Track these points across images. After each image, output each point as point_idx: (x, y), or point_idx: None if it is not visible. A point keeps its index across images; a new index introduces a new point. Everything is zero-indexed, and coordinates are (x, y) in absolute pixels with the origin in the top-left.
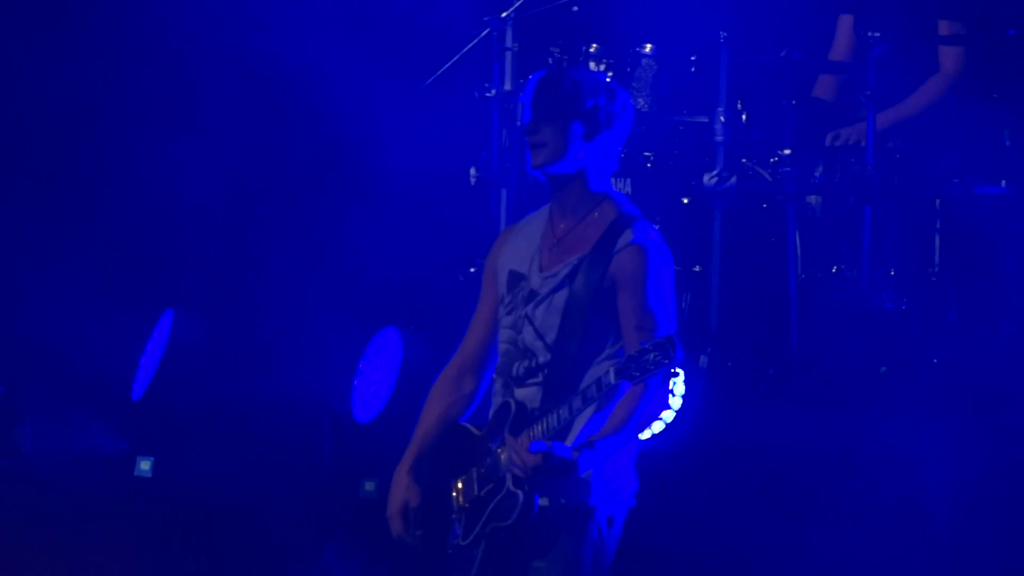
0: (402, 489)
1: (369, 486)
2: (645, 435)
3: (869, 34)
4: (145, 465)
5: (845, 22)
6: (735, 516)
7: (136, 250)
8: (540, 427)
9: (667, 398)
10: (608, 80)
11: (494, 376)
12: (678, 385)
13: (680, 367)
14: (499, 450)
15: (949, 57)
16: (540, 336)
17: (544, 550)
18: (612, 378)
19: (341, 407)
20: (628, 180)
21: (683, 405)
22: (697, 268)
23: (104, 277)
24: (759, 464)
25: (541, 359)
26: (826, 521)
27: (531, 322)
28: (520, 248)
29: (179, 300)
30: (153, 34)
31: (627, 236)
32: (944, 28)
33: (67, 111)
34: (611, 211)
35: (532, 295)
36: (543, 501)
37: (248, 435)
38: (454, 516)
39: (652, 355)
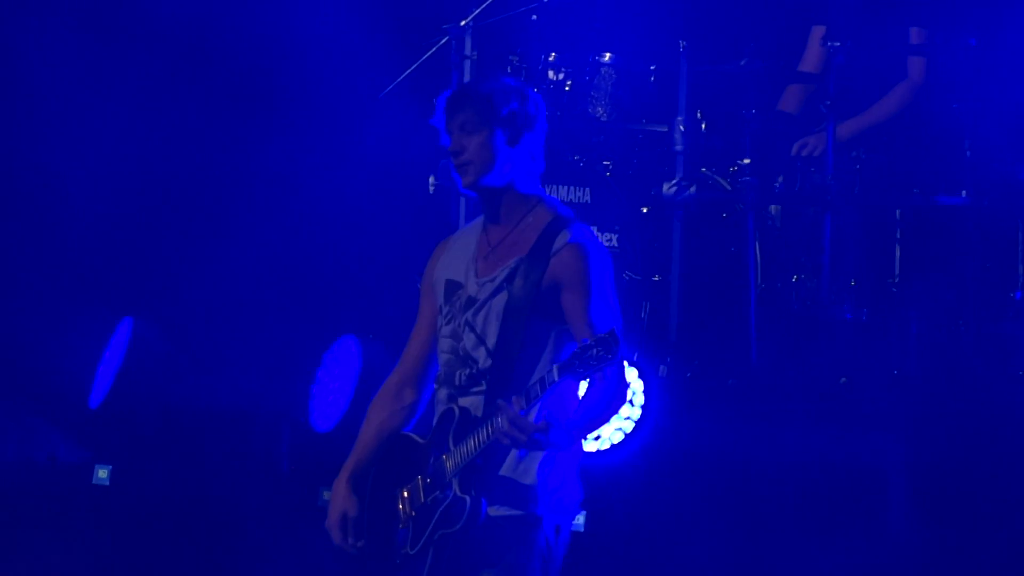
0: (340, 500)
1: (327, 495)
2: (603, 445)
3: (829, 44)
4: (103, 473)
5: (817, 33)
6: (695, 526)
7: (94, 257)
8: (486, 430)
9: (623, 394)
10: (515, 83)
11: (437, 387)
12: (637, 395)
13: (622, 361)
14: (444, 457)
15: (916, 65)
16: (481, 342)
17: (493, 560)
18: (555, 375)
19: (299, 416)
20: (587, 189)
21: (643, 415)
22: (656, 277)
23: (62, 284)
24: (719, 475)
25: (483, 365)
26: (786, 532)
27: (472, 328)
28: (456, 258)
29: (137, 307)
30: (107, 31)
31: (564, 236)
32: (915, 36)
33: (24, 115)
34: (545, 213)
35: (471, 302)
36: (492, 510)
37: (206, 444)
38: (401, 525)
39: (595, 351)
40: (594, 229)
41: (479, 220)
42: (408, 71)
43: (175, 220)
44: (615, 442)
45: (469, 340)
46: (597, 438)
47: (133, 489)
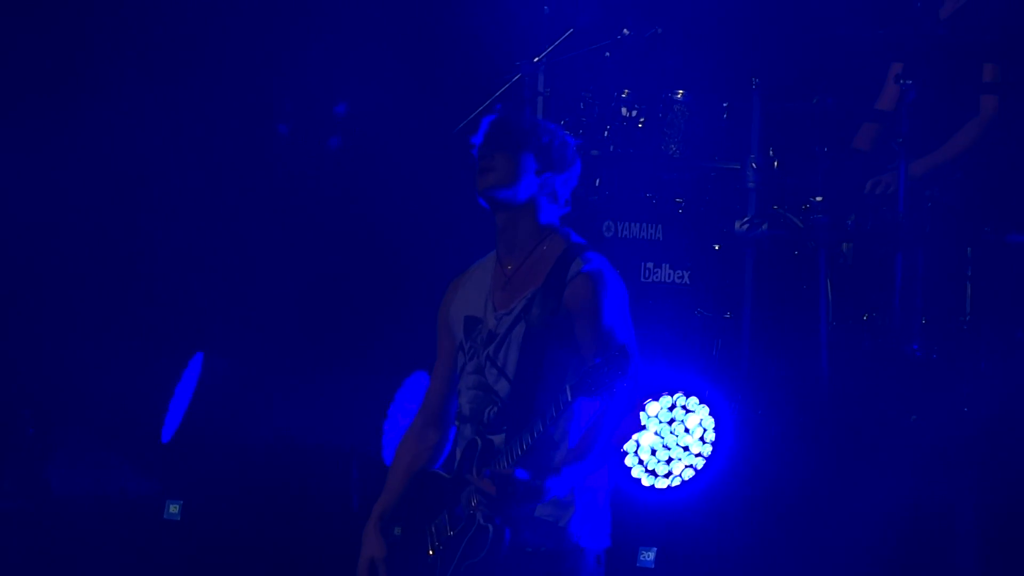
0: (369, 544)
1: (398, 531)
2: (674, 482)
3: (902, 82)
4: (174, 508)
5: (894, 70)
6: (765, 563)
7: (167, 292)
8: (505, 459)
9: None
10: (559, 128)
11: (460, 424)
12: (708, 432)
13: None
14: (468, 488)
15: (988, 103)
16: (503, 374)
17: None
18: (569, 396)
19: (370, 451)
20: (659, 226)
21: (713, 452)
22: (728, 315)
23: (134, 319)
24: (789, 512)
25: (505, 397)
26: (856, 570)
27: (494, 363)
28: (472, 293)
29: (209, 343)
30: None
31: (577, 265)
32: (988, 73)
33: (97, 151)
34: (559, 243)
35: (491, 336)
36: (533, 546)
37: (277, 479)
38: (431, 559)
39: (606, 368)
40: (666, 266)
41: (492, 254)
42: (482, 107)
43: (248, 255)
44: (686, 479)
45: (491, 375)
46: (668, 475)
47: (204, 524)
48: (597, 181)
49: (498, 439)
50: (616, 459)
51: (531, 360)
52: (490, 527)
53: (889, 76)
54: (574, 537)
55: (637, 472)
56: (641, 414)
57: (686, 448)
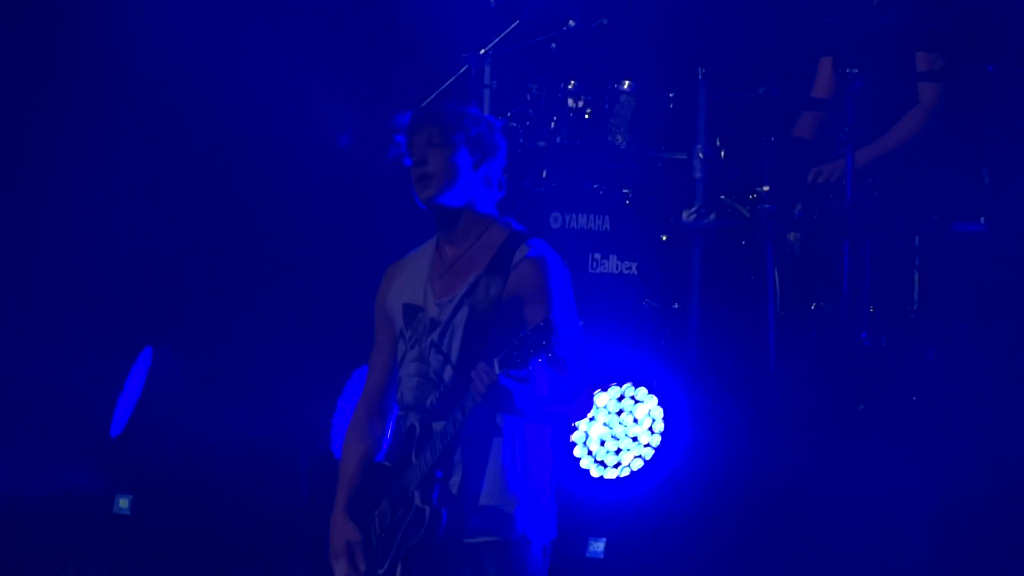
0: (343, 530)
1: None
2: (623, 472)
3: (847, 71)
4: (124, 503)
5: (825, 64)
6: (714, 552)
7: (114, 287)
8: (440, 442)
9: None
10: (480, 112)
11: (404, 412)
12: (657, 422)
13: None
14: (406, 472)
15: (927, 91)
16: (448, 360)
17: None
18: (497, 369)
19: (319, 444)
20: (607, 217)
21: (662, 442)
22: (676, 305)
23: (82, 313)
24: (738, 501)
25: (449, 383)
26: (806, 559)
27: (438, 350)
28: (410, 281)
29: (158, 337)
30: (126, 70)
31: (523, 251)
32: (922, 62)
33: (44, 153)
34: (500, 231)
35: (434, 324)
36: (478, 538)
37: (227, 472)
38: (374, 548)
39: (531, 339)
40: (613, 257)
41: (431, 242)
42: (427, 100)
43: (195, 249)
44: (635, 469)
45: (436, 361)
46: (617, 465)
47: (154, 518)
48: (544, 172)
49: (438, 425)
50: (563, 452)
51: (475, 344)
52: (426, 508)
53: (820, 66)
54: (520, 528)
55: (586, 463)
56: None
57: (635, 439)
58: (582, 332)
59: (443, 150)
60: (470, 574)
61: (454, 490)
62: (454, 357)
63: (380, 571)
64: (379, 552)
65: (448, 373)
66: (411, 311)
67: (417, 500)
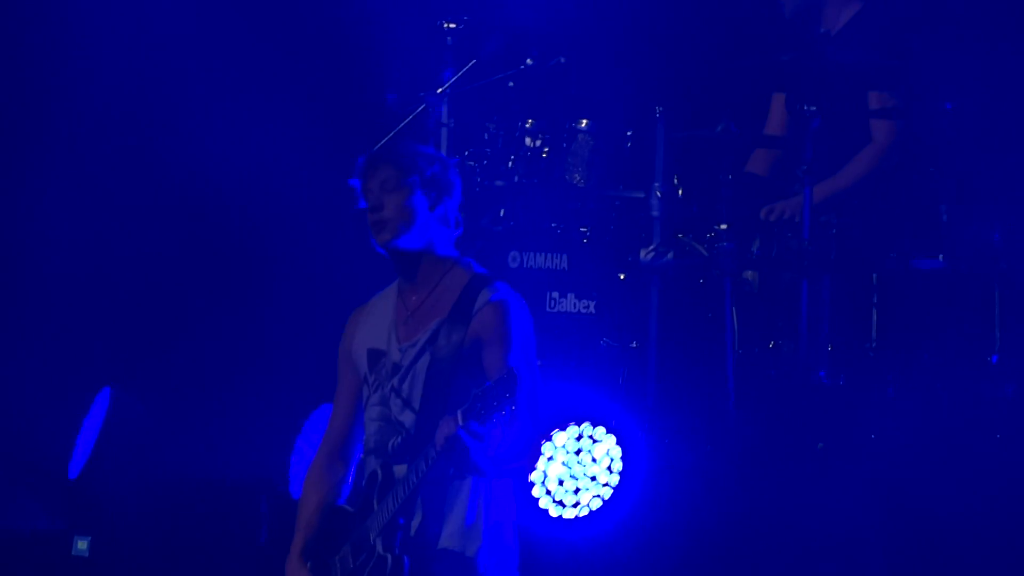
0: (297, 574)
1: (308, 565)
2: (581, 512)
3: (805, 108)
4: (82, 544)
5: (779, 100)
6: None
7: (73, 327)
8: (403, 489)
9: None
10: (434, 150)
11: (365, 455)
12: (615, 462)
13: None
14: (368, 519)
15: (881, 129)
16: (407, 405)
17: None
18: (460, 419)
19: (279, 485)
20: (564, 256)
21: (621, 481)
22: (634, 344)
23: (40, 354)
24: (697, 541)
25: (410, 428)
26: None
27: (398, 395)
28: (375, 326)
29: (116, 377)
30: (80, 90)
31: (485, 295)
32: (875, 100)
33: (4, 187)
34: (462, 274)
35: (395, 368)
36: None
37: (186, 513)
38: None
39: (494, 392)
40: (571, 296)
41: (393, 286)
42: (386, 139)
43: (154, 290)
44: (593, 508)
45: (396, 406)
46: (576, 504)
47: (113, 560)
48: (502, 211)
49: (400, 469)
50: (522, 492)
51: (437, 390)
52: (388, 556)
53: (774, 102)
54: (481, 569)
55: (545, 503)
56: (548, 444)
57: (593, 478)
58: (538, 379)
59: (398, 194)
60: None
61: (413, 532)
62: (416, 403)
63: None
64: None
65: (409, 418)
66: (375, 356)
67: (379, 548)
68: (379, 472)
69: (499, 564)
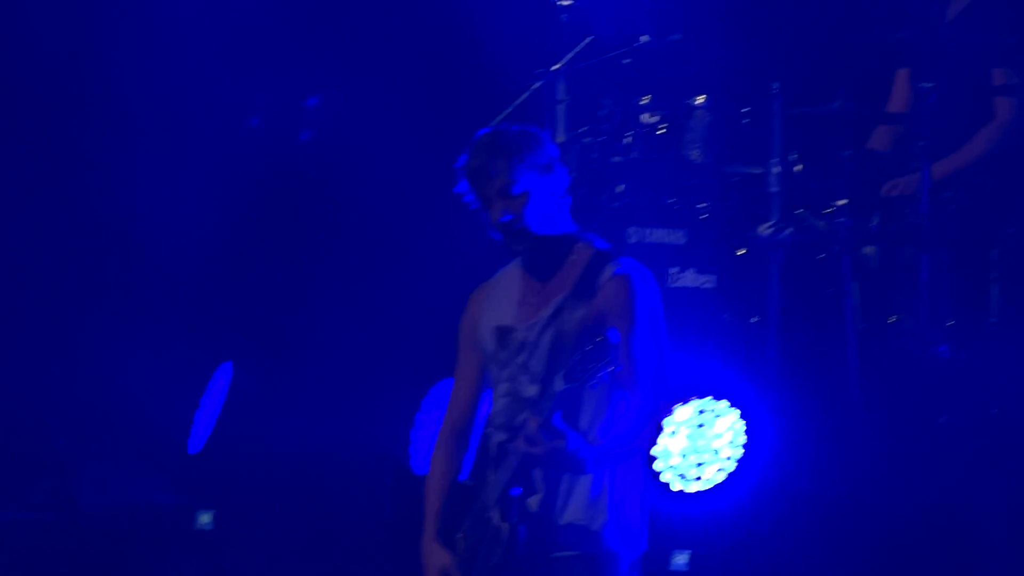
0: (435, 556)
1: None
2: (705, 486)
3: (922, 85)
4: (205, 519)
5: (902, 76)
6: (797, 566)
7: (194, 303)
8: (512, 457)
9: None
10: (529, 129)
11: (493, 431)
12: (739, 436)
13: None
14: (486, 491)
15: (1004, 106)
16: (534, 381)
17: None
18: (560, 384)
19: (400, 459)
20: (683, 231)
21: (744, 456)
22: (754, 319)
23: (162, 329)
24: (820, 515)
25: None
26: (886, 570)
27: (525, 370)
28: (501, 303)
29: (237, 352)
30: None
31: (609, 269)
32: (998, 77)
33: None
34: (585, 250)
35: (523, 346)
36: (565, 552)
37: (307, 488)
38: (461, 568)
39: (590, 355)
40: (691, 271)
41: (516, 262)
42: (500, 116)
43: (275, 264)
44: (717, 482)
45: (523, 383)
46: (698, 478)
47: (236, 534)
48: (620, 188)
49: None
50: (648, 464)
51: (557, 364)
52: (504, 526)
53: (896, 79)
54: (607, 542)
55: (668, 476)
56: (670, 418)
57: (716, 451)
58: (667, 352)
59: (520, 199)
60: None
61: (534, 507)
62: (540, 378)
63: None
64: (464, 573)
65: (534, 392)
66: (502, 333)
67: (496, 518)
68: (497, 445)
69: (626, 538)
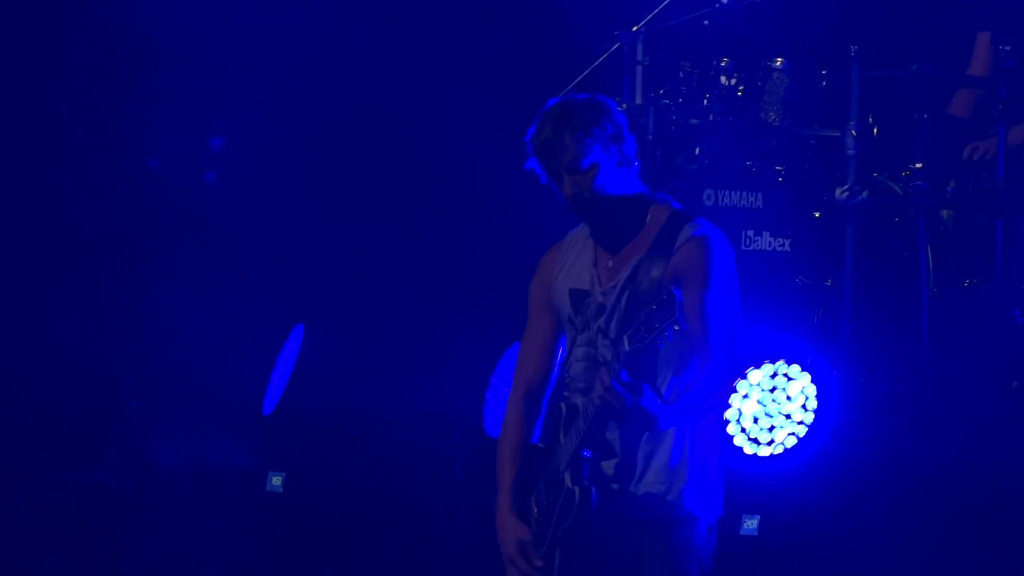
0: (512, 529)
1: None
2: (776, 450)
3: (1001, 47)
4: (277, 480)
5: (983, 39)
6: (868, 531)
7: (267, 265)
8: (582, 420)
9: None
10: (595, 100)
11: (571, 394)
12: (810, 400)
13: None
14: (558, 454)
15: None
16: (613, 344)
17: (647, 563)
18: (626, 344)
19: (473, 422)
20: (759, 194)
21: (816, 419)
22: (829, 282)
23: (235, 292)
24: (892, 479)
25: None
26: (958, 536)
27: (605, 335)
28: (575, 266)
29: (310, 315)
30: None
31: (688, 230)
32: None
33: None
34: (661, 211)
35: (600, 309)
36: (637, 517)
37: (379, 450)
38: (534, 530)
39: (655, 313)
40: (766, 234)
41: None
42: (580, 77)
43: (348, 227)
44: (788, 447)
45: (604, 347)
46: (771, 442)
47: (307, 495)
48: (697, 150)
49: (584, 405)
50: (723, 427)
51: (631, 325)
52: (576, 489)
53: (978, 43)
54: (687, 506)
55: (739, 440)
56: (743, 382)
57: (788, 416)
58: (739, 316)
59: (588, 174)
60: (633, 553)
61: (609, 471)
62: (615, 340)
63: (540, 554)
64: (538, 536)
65: (610, 354)
66: (579, 296)
67: (567, 481)
68: (567, 407)
69: (704, 502)
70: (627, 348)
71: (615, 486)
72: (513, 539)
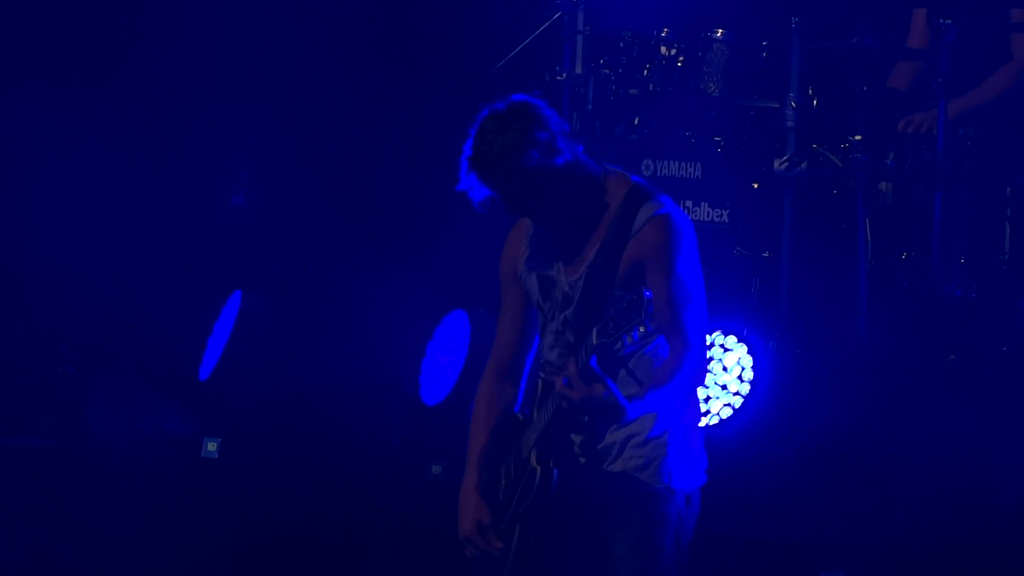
0: (472, 508)
1: (436, 469)
2: (712, 421)
3: (941, 21)
4: (212, 446)
5: (920, 13)
6: (802, 501)
7: (205, 231)
8: (553, 402)
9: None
10: (520, 104)
11: (544, 375)
12: (746, 371)
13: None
14: (528, 430)
15: (1021, 45)
16: (578, 333)
17: (624, 534)
18: (594, 339)
19: (409, 389)
20: (698, 164)
21: (751, 391)
22: (767, 254)
23: (173, 258)
24: (827, 451)
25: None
26: (892, 509)
27: (571, 326)
28: (540, 248)
29: (248, 281)
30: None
31: (647, 209)
32: (1017, 15)
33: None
34: (620, 186)
35: (567, 300)
36: (608, 493)
37: (316, 417)
38: (500, 504)
39: (624, 312)
40: (705, 205)
41: None
42: (521, 46)
43: (287, 194)
44: (724, 417)
45: (571, 334)
46: (706, 413)
47: (242, 462)
48: (636, 120)
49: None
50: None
51: (591, 303)
52: (538, 469)
53: (914, 16)
54: (664, 477)
55: None
56: None
57: (724, 387)
58: (703, 295)
59: (522, 198)
60: (603, 530)
61: (577, 449)
62: (580, 331)
63: (501, 527)
64: (502, 508)
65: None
66: (546, 283)
67: (532, 460)
68: (545, 384)
69: (682, 472)
70: (594, 342)
71: (583, 460)
72: (473, 520)
